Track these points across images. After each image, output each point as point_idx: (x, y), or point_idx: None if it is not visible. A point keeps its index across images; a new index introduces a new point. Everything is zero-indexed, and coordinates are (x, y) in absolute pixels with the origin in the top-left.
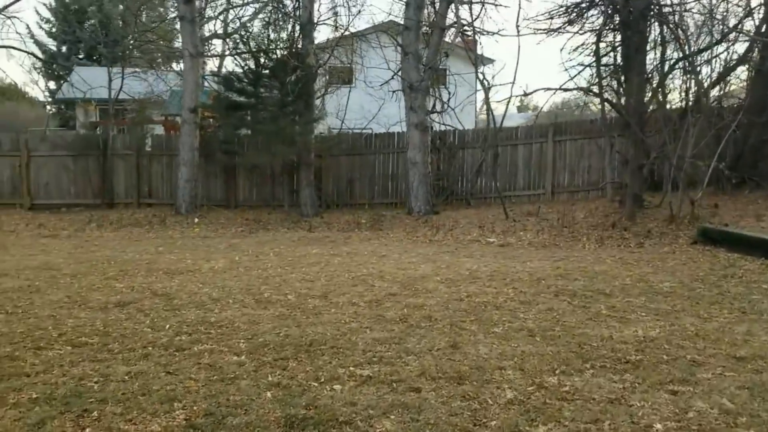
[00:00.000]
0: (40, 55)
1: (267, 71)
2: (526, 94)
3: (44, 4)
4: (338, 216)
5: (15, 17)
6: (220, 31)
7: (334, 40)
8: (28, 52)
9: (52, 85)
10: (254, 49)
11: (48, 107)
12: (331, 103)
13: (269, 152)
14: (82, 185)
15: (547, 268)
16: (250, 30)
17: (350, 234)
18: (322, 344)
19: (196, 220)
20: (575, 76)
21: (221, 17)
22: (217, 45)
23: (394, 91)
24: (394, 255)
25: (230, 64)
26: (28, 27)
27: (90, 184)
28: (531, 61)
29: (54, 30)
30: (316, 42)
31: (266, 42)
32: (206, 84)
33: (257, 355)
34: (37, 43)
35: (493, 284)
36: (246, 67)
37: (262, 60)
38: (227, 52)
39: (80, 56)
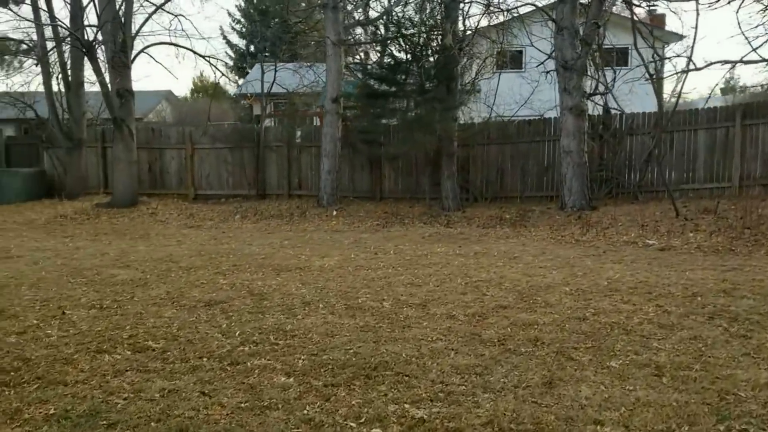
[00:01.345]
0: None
1: (407, 56)
2: (695, 69)
3: (236, 6)
4: (482, 210)
5: (182, 15)
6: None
7: (481, 18)
8: (189, 50)
9: (241, 81)
10: (395, 35)
11: (243, 103)
12: (482, 87)
13: (410, 142)
14: (238, 176)
15: (709, 280)
16: (392, 14)
17: (488, 231)
18: (389, 368)
19: (335, 212)
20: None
21: (362, 2)
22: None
23: (547, 72)
24: (527, 257)
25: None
26: (221, 28)
27: (245, 176)
28: (708, 31)
29: (244, 30)
30: (461, 22)
31: (407, 25)
32: (347, 73)
33: (309, 378)
34: (229, 43)
35: (632, 299)
36: (386, 53)
37: (402, 44)
38: (368, 39)
39: (266, 53)
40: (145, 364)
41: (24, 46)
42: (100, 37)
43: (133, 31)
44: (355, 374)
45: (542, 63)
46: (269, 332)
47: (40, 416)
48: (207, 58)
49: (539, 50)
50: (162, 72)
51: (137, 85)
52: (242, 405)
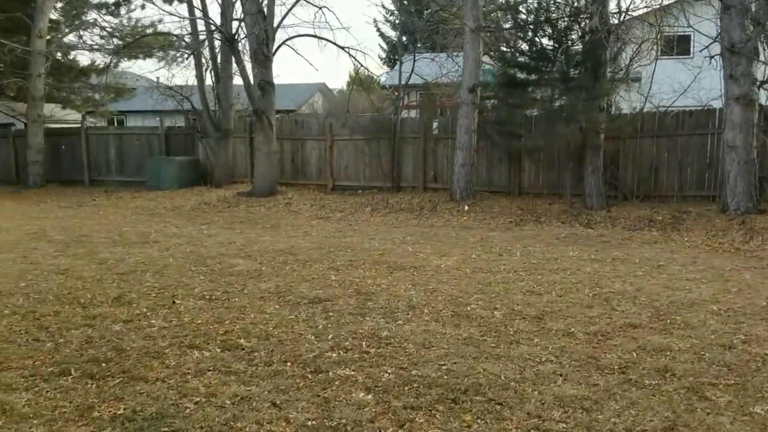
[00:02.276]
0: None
1: (550, 42)
2: None
3: None
4: (630, 210)
5: (325, 7)
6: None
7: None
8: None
9: (388, 73)
10: (537, 19)
11: (386, 94)
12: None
13: (551, 133)
14: (375, 168)
15: None
16: None
17: (633, 234)
18: (481, 392)
19: (467, 207)
20: None
21: None
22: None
23: (711, 57)
24: (673, 266)
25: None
26: (374, 21)
27: (381, 168)
28: None
29: (397, 22)
30: (615, 3)
31: (551, 8)
32: (485, 62)
33: (389, 396)
34: (382, 35)
35: None
36: (527, 39)
37: (546, 29)
38: (508, 25)
39: (418, 45)
40: (228, 365)
41: (183, 42)
42: (243, 30)
43: (275, 23)
44: (441, 396)
45: (707, 47)
46: (363, 338)
47: (108, 416)
48: (346, 49)
49: (702, 33)
50: (322, 64)
51: (292, 78)
52: (309, 423)
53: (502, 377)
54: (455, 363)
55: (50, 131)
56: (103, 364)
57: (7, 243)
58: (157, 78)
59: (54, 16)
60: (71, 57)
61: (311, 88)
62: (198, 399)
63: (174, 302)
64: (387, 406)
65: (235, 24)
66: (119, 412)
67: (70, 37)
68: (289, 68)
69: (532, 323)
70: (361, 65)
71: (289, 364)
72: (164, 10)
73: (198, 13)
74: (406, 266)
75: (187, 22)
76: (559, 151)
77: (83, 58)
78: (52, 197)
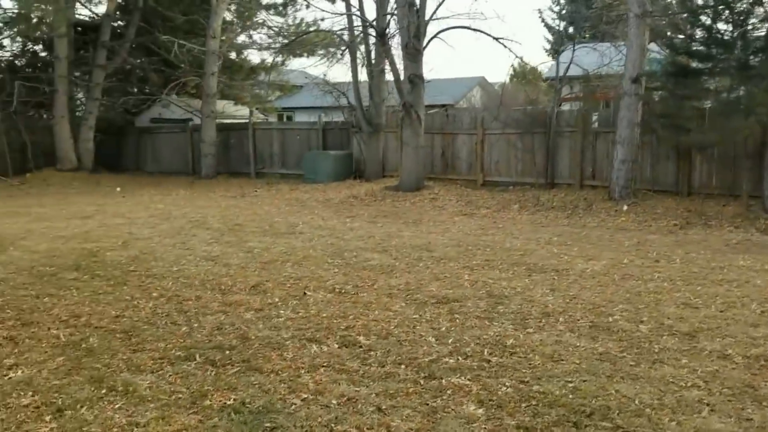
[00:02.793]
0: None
1: (726, 26)
2: None
3: None
4: None
5: None
6: None
7: None
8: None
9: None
10: (713, 2)
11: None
12: None
13: (725, 128)
14: (528, 164)
15: None
16: None
17: None
18: (608, 418)
19: (626, 207)
20: None
21: None
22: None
23: None
24: None
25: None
26: (539, 10)
27: (534, 163)
28: None
29: (563, 11)
30: None
31: None
32: (651, 50)
33: (503, 413)
34: (547, 25)
35: None
36: (699, 24)
37: (722, 13)
38: (677, 9)
39: (580, 35)
40: (342, 362)
41: (340, 39)
42: (394, 24)
43: (427, 16)
44: (562, 418)
45: None
46: (486, 344)
47: (218, 405)
48: (500, 40)
49: None
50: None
51: (450, 73)
52: None
53: (637, 401)
54: (584, 381)
55: (222, 126)
56: (227, 352)
57: (172, 229)
58: (324, 74)
59: (228, 16)
60: (243, 56)
61: (470, 82)
62: (306, 396)
63: (305, 293)
64: (498, 424)
65: (387, 18)
66: (229, 403)
67: (242, 37)
68: (446, 63)
69: (682, 341)
70: (516, 56)
71: (403, 366)
72: (324, 10)
73: (354, 9)
74: (546, 269)
75: (345, 20)
76: (735, 147)
77: (253, 57)
78: (220, 188)
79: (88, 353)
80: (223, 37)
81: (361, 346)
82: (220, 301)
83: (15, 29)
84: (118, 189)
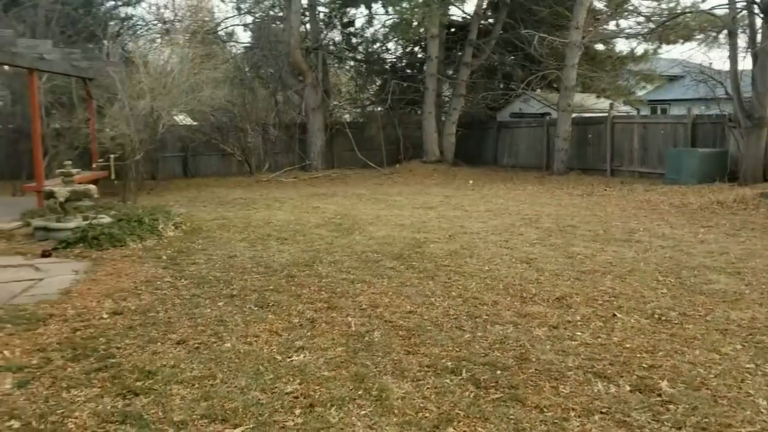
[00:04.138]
0: None
1: None
2: None
3: None
4: None
5: None
6: None
7: None
8: None
9: None
10: None
11: None
12: None
13: None
14: None
15: None
16: None
17: None
18: None
19: None
20: None
21: None
22: None
23: None
24: None
25: None
26: None
27: None
28: None
29: None
30: None
31: None
32: None
33: None
34: None
35: None
36: None
37: None
38: None
39: None
40: (627, 412)
41: (719, 19)
42: None
43: None
44: None
45: None
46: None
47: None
48: None
49: None
50: None
51: None
52: None
53: None
54: None
55: (578, 120)
56: (497, 372)
57: (501, 226)
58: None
59: (598, 4)
60: (609, 47)
61: None
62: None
63: (614, 315)
64: None
65: None
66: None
67: (610, 25)
68: None
69: None
70: None
71: (596, 385)
72: None
73: None
74: None
75: None
76: None
77: (619, 46)
78: (569, 184)
79: (366, 347)
80: (590, 28)
81: (659, 395)
82: (516, 310)
83: (398, 33)
84: (470, 182)
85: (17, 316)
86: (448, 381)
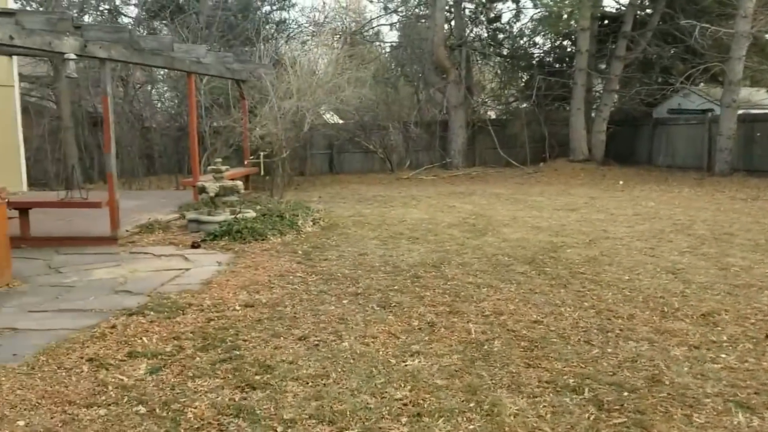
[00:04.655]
0: None
1: None
2: None
3: None
4: None
5: None
6: None
7: None
8: None
9: None
10: None
11: None
12: None
13: None
14: None
15: None
16: None
17: None
18: None
19: None
20: None
21: None
22: None
23: None
24: None
25: None
26: None
27: None
28: None
29: None
30: None
31: None
32: None
33: None
34: None
35: None
36: None
37: None
38: None
39: None
40: None
41: None
42: None
43: None
44: None
45: None
46: None
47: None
48: None
49: None
50: None
51: None
52: None
53: None
54: None
55: (744, 117)
56: (624, 394)
57: (648, 232)
58: None
59: None
60: None
61: None
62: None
63: (767, 336)
64: None
65: None
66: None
67: None
68: None
69: None
70: None
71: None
72: None
73: None
74: None
75: None
76: None
77: None
78: (731, 187)
79: (483, 357)
80: (760, 17)
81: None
82: (654, 326)
83: (546, 27)
84: (620, 183)
85: (160, 304)
86: (567, 400)
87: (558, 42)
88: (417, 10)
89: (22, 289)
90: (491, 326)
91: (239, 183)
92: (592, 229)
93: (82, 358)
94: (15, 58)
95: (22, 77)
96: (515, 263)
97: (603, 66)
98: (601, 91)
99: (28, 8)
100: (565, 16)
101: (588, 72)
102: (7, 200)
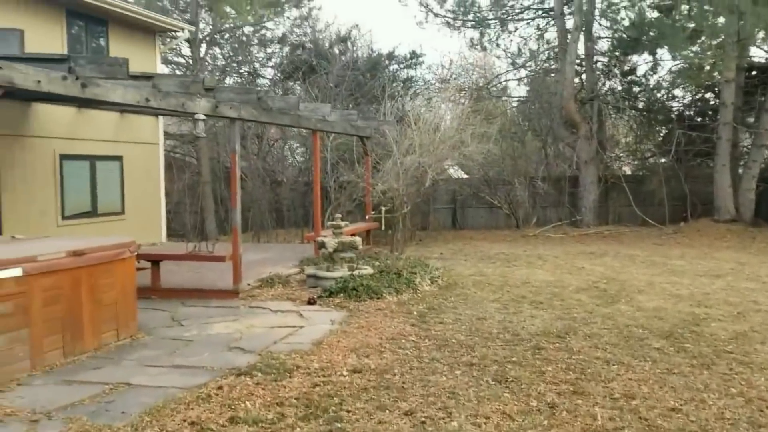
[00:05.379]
0: None
1: None
2: None
3: None
4: None
5: None
6: None
7: None
8: None
9: None
10: None
11: None
12: None
13: None
14: None
15: None
16: None
17: None
18: None
19: None
20: None
21: None
22: None
23: None
24: None
25: None
26: None
27: None
28: None
29: None
30: None
31: None
32: None
33: None
34: None
35: None
36: None
37: None
38: None
39: None
40: None
41: None
42: None
43: None
44: None
45: None
46: None
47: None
48: None
49: None
50: None
51: None
52: None
53: None
54: None
55: None
56: None
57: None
58: None
59: None
60: None
61: None
62: None
63: None
64: None
65: None
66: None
67: None
68: None
69: None
70: None
71: None
72: None
73: None
74: None
75: None
76: None
77: None
78: None
79: None
80: None
81: None
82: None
83: (686, 79)
84: None
85: (269, 364)
86: None
87: (699, 94)
88: (546, 65)
89: (144, 341)
90: (621, 412)
91: (357, 239)
92: (741, 300)
93: (185, 420)
94: (161, 117)
95: (168, 135)
96: (651, 337)
97: (751, 119)
98: (749, 146)
99: (167, 72)
100: (708, 67)
101: (734, 126)
102: (136, 253)
